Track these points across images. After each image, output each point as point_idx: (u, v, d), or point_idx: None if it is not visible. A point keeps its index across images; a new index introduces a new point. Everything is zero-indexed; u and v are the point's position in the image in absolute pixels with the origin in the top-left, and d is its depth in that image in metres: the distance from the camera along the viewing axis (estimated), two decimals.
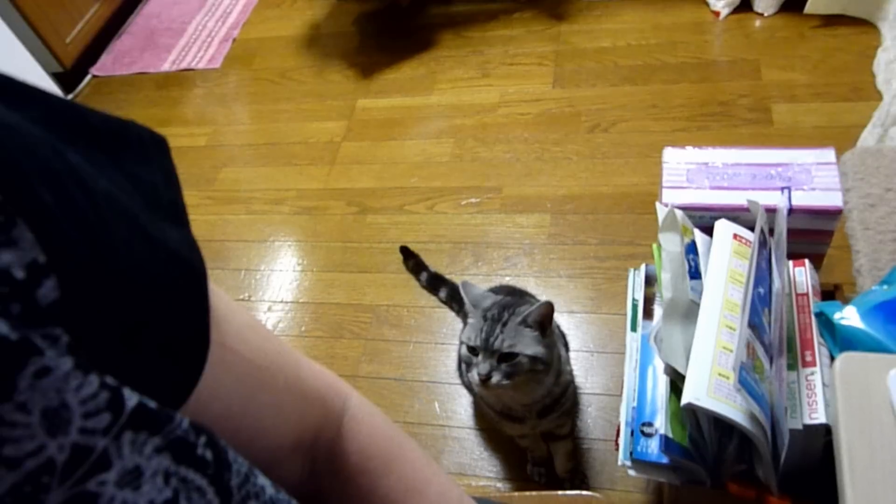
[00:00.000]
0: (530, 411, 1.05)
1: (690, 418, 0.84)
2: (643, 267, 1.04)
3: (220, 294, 0.35)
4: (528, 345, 0.94)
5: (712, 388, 0.76)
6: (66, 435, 0.22)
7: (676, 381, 0.86)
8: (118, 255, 0.26)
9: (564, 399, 1.08)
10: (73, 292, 0.23)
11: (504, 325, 0.94)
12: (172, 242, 0.30)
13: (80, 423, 0.22)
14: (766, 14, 1.98)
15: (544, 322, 0.96)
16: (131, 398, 0.24)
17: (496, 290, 1.17)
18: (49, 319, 0.22)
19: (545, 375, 0.98)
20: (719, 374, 0.77)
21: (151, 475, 0.25)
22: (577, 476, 1.23)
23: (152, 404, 0.25)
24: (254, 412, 0.37)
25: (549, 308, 0.95)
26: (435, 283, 1.23)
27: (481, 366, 0.93)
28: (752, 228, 0.90)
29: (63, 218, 0.23)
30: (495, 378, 0.93)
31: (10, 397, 0.21)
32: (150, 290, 0.27)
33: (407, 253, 1.31)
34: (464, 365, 0.98)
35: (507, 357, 0.93)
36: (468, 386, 1.25)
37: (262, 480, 0.32)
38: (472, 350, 0.95)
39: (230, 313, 0.36)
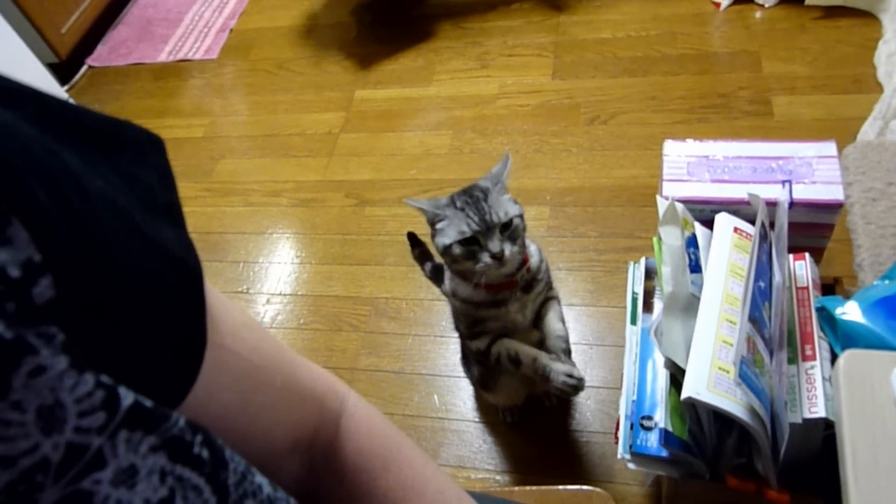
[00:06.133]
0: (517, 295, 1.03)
1: (690, 412, 0.84)
2: (643, 260, 1.04)
3: (216, 294, 0.35)
4: (512, 206, 0.96)
5: (712, 382, 0.76)
6: (61, 434, 0.22)
7: (676, 375, 0.86)
8: (113, 255, 0.26)
9: (541, 269, 1.07)
10: (68, 291, 0.23)
11: (485, 200, 0.95)
12: (168, 242, 0.30)
13: (74, 422, 0.22)
14: (766, 5, 1.97)
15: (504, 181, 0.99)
16: (127, 397, 0.24)
17: None
18: (44, 318, 0.22)
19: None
20: (719, 368, 0.77)
21: (147, 474, 0.25)
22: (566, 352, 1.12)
23: (148, 403, 0.25)
24: (251, 412, 0.37)
25: (510, 162, 0.99)
26: (438, 274, 1.22)
27: (493, 244, 0.93)
28: (752, 222, 0.89)
29: (58, 217, 0.23)
30: (508, 250, 0.93)
31: (5, 396, 0.21)
32: (145, 290, 0.27)
33: (414, 240, 1.30)
34: (464, 262, 0.95)
35: (505, 227, 0.94)
36: (472, 378, 1.25)
37: (260, 479, 0.32)
38: (471, 240, 0.94)
39: (226, 313, 0.36)
